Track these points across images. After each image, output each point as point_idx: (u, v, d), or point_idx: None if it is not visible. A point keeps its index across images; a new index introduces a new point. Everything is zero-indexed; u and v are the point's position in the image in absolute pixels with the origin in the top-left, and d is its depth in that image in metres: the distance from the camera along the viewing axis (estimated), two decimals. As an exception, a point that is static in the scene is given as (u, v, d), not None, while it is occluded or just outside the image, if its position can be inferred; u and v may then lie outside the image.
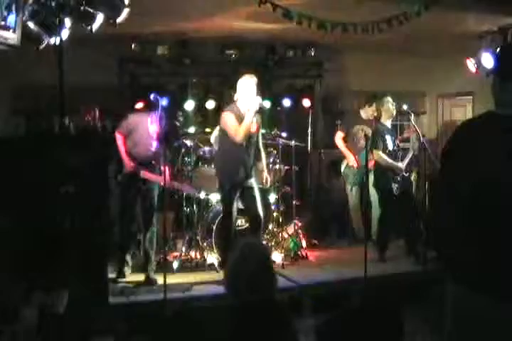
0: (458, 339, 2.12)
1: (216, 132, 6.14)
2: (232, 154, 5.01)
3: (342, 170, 6.74)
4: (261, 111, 5.11)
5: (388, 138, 5.83)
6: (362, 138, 6.42)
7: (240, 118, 4.90)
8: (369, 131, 6.39)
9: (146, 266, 5.10)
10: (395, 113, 5.94)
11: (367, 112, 6.59)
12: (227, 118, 4.92)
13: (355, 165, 6.48)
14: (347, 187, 6.72)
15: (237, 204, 5.16)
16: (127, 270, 5.23)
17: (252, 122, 4.91)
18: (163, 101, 5.07)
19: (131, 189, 5.12)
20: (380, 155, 5.75)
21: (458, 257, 2.15)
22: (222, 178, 5.13)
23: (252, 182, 5.16)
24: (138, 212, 5.22)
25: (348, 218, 6.85)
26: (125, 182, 5.13)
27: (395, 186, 5.77)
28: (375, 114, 6.44)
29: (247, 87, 4.95)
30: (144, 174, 5.07)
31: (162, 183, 4.71)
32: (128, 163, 5.07)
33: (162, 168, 4.82)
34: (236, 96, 5.05)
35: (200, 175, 5.85)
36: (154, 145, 5.07)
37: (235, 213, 5.09)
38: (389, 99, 5.89)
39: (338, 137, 6.68)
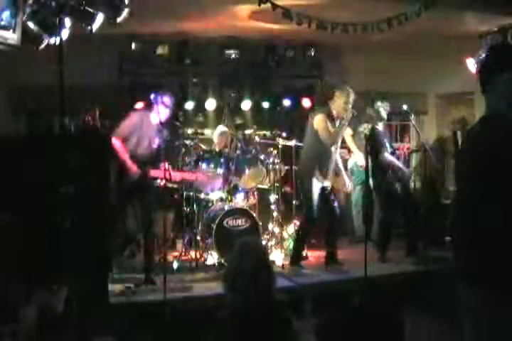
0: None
1: (218, 130, 6.23)
2: (318, 152, 5.37)
3: (349, 167, 6.72)
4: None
5: (386, 141, 5.88)
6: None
7: (331, 123, 5.34)
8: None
9: (147, 266, 5.09)
10: (385, 117, 5.99)
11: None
12: (322, 121, 5.33)
13: (363, 164, 6.43)
14: (350, 186, 6.69)
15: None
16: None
17: (343, 131, 5.42)
18: (163, 101, 5.06)
19: (134, 191, 5.04)
20: (383, 155, 5.77)
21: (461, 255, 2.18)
22: (303, 173, 5.44)
23: (329, 183, 5.48)
24: (138, 212, 5.21)
25: (348, 218, 6.85)
26: (129, 185, 5.01)
27: (396, 187, 5.78)
28: (374, 114, 6.45)
29: (345, 97, 5.34)
30: (154, 173, 4.97)
31: (174, 178, 4.76)
32: (132, 168, 4.92)
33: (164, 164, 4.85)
34: (332, 102, 5.44)
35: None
36: (157, 141, 5.03)
37: (315, 208, 5.36)
38: (379, 103, 5.95)
39: (348, 134, 6.65)
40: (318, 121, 5.35)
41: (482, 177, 2.04)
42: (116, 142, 4.95)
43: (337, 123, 5.37)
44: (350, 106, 5.34)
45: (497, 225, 2.02)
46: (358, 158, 6.52)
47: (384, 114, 5.98)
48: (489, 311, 2.01)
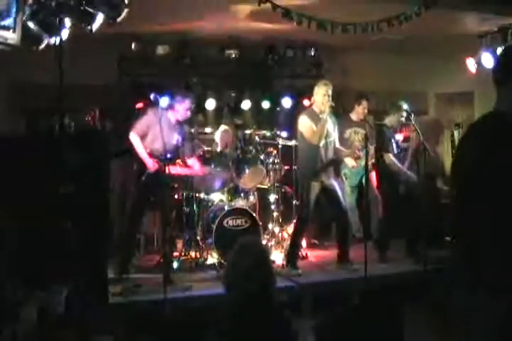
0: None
1: (219, 131, 6.23)
2: (309, 153, 5.38)
3: (343, 171, 6.71)
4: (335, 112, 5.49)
5: (393, 142, 5.86)
6: (356, 140, 6.44)
7: (315, 121, 5.30)
8: (362, 132, 6.39)
9: (167, 266, 4.88)
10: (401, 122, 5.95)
11: (358, 113, 6.52)
12: (303, 121, 5.38)
13: (354, 164, 6.39)
14: (346, 188, 6.68)
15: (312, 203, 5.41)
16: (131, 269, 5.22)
17: (326, 125, 5.29)
18: (163, 101, 5.08)
19: (154, 189, 4.95)
20: (391, 159, 5.75)
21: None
22: (300, 176, 5.55)
23: (333, 181, 5.48)
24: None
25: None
26: (149, 182, 4.98)
27: (400, 188, 5.77)
28: (366, 111, 6.43)
29: (322, 92, 5.33)
30: (171, 169, 4.86)
31: (195, 173, 4.88)
32: (150, 162, 4.95)
33: (187, 159, 5.28)
34: (312, 100, 5.49)
35: (200, 175, 5.84)
36: (175, 137, 5.12)
37: (311, 209, 5.39)
38: (406, 110, 5.84)
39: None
40: (300, 122, 5.40)
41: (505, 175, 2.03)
42: (133, 137, 5.03)
43: (322, 118, 5.30)
44: (329, 98, 5.31)
45: (497, 224, 2.02)
46: (347, 160, 6.42)
47: (402, 121, 5.92)
48: (489, 311, 2.01)
